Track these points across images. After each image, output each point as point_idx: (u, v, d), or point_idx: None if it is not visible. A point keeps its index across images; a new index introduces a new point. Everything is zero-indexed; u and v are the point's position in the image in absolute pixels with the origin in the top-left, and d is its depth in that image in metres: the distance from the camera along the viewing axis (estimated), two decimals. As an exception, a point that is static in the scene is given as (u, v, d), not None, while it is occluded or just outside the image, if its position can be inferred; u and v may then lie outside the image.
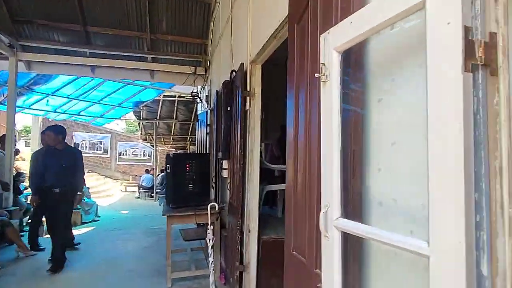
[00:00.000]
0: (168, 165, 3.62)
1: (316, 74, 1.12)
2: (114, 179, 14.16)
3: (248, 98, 2.89)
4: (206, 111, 5.53)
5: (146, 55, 5.89)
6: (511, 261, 0.68)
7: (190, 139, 11.72)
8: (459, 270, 0.66)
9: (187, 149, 12.53)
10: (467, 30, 0.67)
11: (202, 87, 6.58)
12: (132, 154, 14.76)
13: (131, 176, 14.42)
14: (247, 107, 2.89)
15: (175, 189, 3.47)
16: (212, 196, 4.57)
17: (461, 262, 0.65)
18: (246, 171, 2.92)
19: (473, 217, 0.69)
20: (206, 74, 5.94)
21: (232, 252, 3.08)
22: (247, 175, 2.91)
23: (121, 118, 11.17)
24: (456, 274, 0.66)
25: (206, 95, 5.76)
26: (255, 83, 2.88)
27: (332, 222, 1.08)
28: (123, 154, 14.57)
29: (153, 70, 6.11)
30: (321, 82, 1.14)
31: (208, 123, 5.45)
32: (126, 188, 13.52)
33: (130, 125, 20.99)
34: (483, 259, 0.69)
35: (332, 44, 1.09)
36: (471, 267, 0.68)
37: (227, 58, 3.88)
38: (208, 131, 5.49)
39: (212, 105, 5.07)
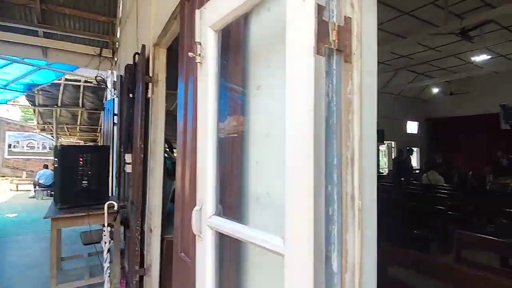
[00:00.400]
0: (56, 159, 3.08)
1: (190, 54, 0.99)
2: (2, 176, 11.81)
3: (150, 84, 2.62)
4: (113, 99, 4.96)
5: (37, 29, 4.95)
6: (360, 254, 0.67)
7: (101, 130, 10.51)
8: (307, 269, 0.61)
9: (98, 141, 11.21)
10: (320, 10, 0.61)
11: (111, 71, 5.89)
12: (28, 147, 12.49)
13: (25, 172, 12.22)
14: (150, 95, 2.62)
15: (64, 186, 2.97)
16: (115, 194, 4.12)
17: (309, 259, 0.60)
18: (148, 165, 2.66)
19: (323, 211, 0.65)
20: (114, 57, 5.31)
21: (132, 254, 2.79)
22: (149, 169, 2.65)
23: (8, 103, 9.29)
24: (305, 273, 0.61)
25: (114, 81, 5.16)
26: (159, 68, 2.62)
27: (206, 221, 0.97)
28: (15, 147, 12.22)
29: (46, 47, 5.18)
30: (197, 64, 1.02)
31: (115, 112, 4.88)
32: (17, 187, 11.40)
33: (27, 112, 17.79)
34: (334, 255, 0.66)
35: (208, 21, 0.97)
36: (321, 264, 0.64)
37: (133, 40, 3.49)
38: (115, 122, 4.93)
39: (119, 92, 4.56)
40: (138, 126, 2.62)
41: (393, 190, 6.81)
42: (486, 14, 5.89)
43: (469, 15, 6.18)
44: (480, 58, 8.44)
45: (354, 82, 0.67)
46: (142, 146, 2.59)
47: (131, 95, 3.00)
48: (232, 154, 1.05)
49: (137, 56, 2.93)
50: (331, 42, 0.63)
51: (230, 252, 1.04)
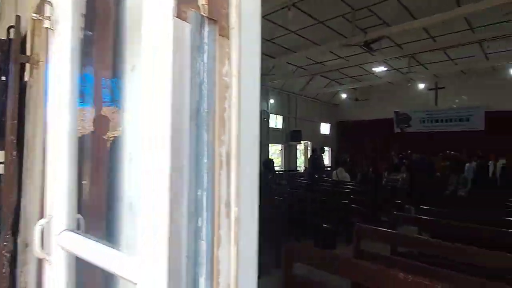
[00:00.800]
0: None
1: (34, 15, 0.74)
2: None
3: (28, 65, 2.12)
4: (-11, 84, 4.00)
5: None
6: (236, 273, 0.55)
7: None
8: (162, 302, 0.46)
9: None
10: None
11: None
12: None
13: None
14: (27, 78, 2.13)
15: None
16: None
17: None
18: (24, 165, 2.15)
19: (186, 223, 0.51)
20: (-10, 33, 4.30)
21: (-1, 277, 2.23)
22: (25, 170, 2.15)
23: None
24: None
25: (-10, 62, 4.17)
26: (41, 46, 2.14)
27: (55, 239, 0.74)
28: None
29: None
30: (48, 31, 0.77)
31: (-9, 100, 3.95)
32: None
33: None
34: (202, 278, 0.52)
35: (61, -25, 0.73)
36: (183, 292, 0.50)
37: (11, 9, 2.83)
38: (-9, 112, 3.99)
39: (-5, 75, 3.69)
40: (10, 117, 2.10)
41: (308, 186, 7.27)
42: (383, 31, 6.75)
43: (370, 30, 6.99)
44: (379, 69, 9.68)
45: (232, 63, 0.55)
46: (15, 141, 2.08)
47: (3, 78, 2.41)
48: (99, 149, 0.83)
49: (11, 30, 2.36)
50: (200, 6, 0.50)
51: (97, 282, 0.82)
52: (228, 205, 0.54)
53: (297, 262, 2.00)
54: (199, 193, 0.52)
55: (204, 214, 0.52)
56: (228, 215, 0.54)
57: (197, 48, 0.52)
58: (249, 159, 0.57)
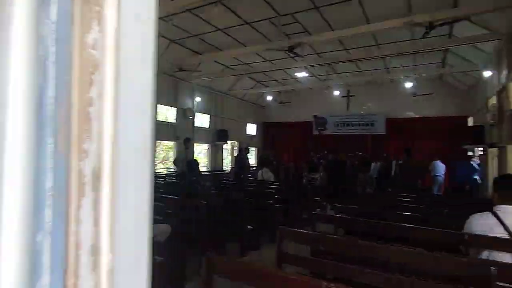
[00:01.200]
0: None
1: None
2: None
3: None
4: None
5: None
6: None
7: None
8: None
9: None
10: None
11: None
12: None
13: None
14: None
15: None
16: None
17: None
18: None
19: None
20: None
21: None
22: None
23: None
24: None
25: None
26: None
27: None
28: None
29: None
30: None
31: None
32: None
33: None
34: None
35: None
36: None
37: None
38: None
39: None
40: None
41: (233, 187, 7.20)
42: (305, 38, 7.13)
43: (294, 37, 7.31)
44: (301, 75, 10.25)
45: (106, 28, 0.35)
46: None
47: None
48: None
49: None
50: None
51: None
52: (95, 252, 0.34)
53: (218, 274, 1.85)
54: (38, 238, 0.31)
55: (47, 272, 0.32)
56: (95, 267, 0.34)
57: (43, 2, 0.31)
58: (135, 177, 0.38)
